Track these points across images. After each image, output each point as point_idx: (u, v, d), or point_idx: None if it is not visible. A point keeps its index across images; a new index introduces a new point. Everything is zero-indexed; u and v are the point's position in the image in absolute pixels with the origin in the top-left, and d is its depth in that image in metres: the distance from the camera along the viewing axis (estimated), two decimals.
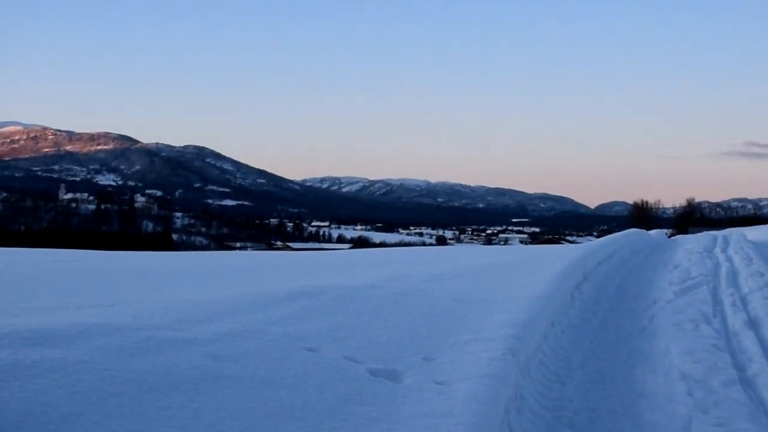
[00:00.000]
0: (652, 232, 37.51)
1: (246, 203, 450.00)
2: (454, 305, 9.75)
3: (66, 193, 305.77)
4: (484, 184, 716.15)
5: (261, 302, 8.54)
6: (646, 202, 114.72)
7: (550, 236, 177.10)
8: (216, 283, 13.20)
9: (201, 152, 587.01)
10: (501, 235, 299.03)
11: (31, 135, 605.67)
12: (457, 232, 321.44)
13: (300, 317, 7.99)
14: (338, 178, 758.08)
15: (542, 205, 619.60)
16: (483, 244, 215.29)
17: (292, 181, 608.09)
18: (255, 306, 8.28)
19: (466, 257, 24.05)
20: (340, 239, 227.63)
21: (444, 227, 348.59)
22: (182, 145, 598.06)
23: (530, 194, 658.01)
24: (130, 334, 5.97)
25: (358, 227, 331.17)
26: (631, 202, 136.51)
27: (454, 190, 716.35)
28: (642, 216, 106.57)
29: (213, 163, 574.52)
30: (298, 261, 24.77)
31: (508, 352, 7.26)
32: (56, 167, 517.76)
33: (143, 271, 18.06)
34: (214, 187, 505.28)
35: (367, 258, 28.41)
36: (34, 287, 13.27)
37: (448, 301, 10.06)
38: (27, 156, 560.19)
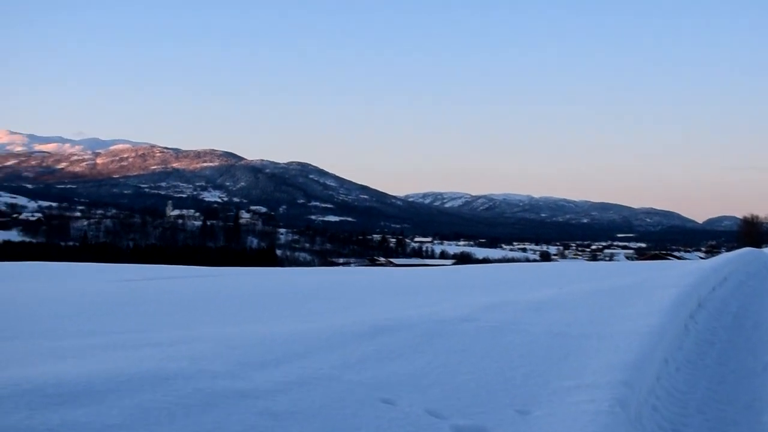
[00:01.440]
0: (767, 249, 35.86)
1: (349, 219, 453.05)
2: (555, 342, 8.77)
3: (173, 210, 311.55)
4: (589, 199, 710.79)
5: (339, 340, 7.71)
6: (757, 217, 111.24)
7: (657, 252, 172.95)
8: (300, 311, 12.49)
9: (304, 168, 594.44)
10: (606, 251, 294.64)
11: (140, 153, 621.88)
12: (561, 248, 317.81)
13: (380, 359, 7.12)
14: (441, 194, 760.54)
15: (648, 220, 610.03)
16: (588, 259, 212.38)
17: (394, 197, 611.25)
18: (331, 345, 7.45)
19: (570, 278, 22.99)
20: (443, 255, 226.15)
21: (548, 242, 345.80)
22: (286, 161, 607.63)
23: (636, 209, 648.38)
24: (179, 386, 5.17)
25: (461, 243, 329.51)
26: (740, 216, 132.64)
27: (558, 205, 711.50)
28: (752, 231, 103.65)
29: (316, 179, 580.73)
30: (393, 281, 24.04)
31: (617, 404, 6.26)
32: (163, 184, 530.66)
33: (232, 294, 17.53)
34: (318, 203, 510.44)
35: (466, 277, 27.56)
36: (113, 312, 12.79)
37: (549, 337, 9.08)
38: (135, 173, 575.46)
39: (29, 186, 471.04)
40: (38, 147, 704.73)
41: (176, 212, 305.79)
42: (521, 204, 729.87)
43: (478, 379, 6.83)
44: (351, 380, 6.19)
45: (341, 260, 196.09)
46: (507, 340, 8.64)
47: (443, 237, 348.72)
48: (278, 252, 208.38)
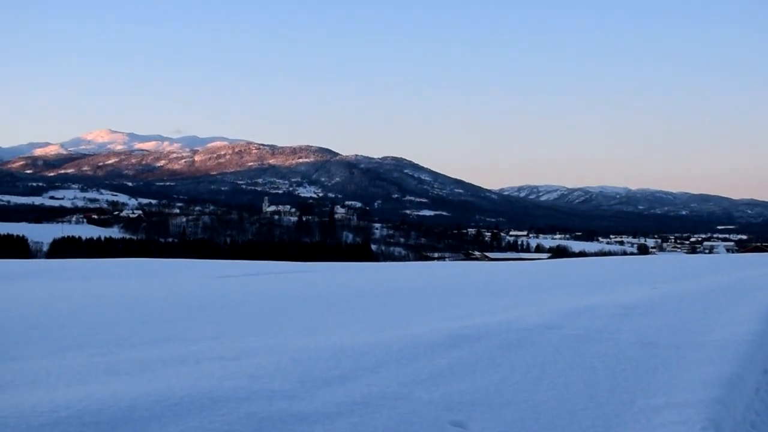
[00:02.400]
0: None
1: (444, 213, 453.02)
2: (644, 353, 8.19)
3: (269, 206, 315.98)
4: (687, 191, 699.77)
5: (412, 351, 7.26)
6: None
7: (758, 244, 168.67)
8: (379, 315, 12.12)
9: (399, 163, 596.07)
10: (706, 243, 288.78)
11: (236, 149, 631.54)
12: (659, 240, 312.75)
13: (454, 373, 6.65)
14: (536, 187, 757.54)
15: (749, 212, 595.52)
16: (687, 252, 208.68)
17: (489, 191, 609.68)
18: (404, 357, 7.00)
19: (666, 275, 22.25)
20: (539, 249, 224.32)
21: (645, 235, 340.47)
22: (380, 156, 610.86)
23: (736, 200, 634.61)
24: (231, 409, 4.76)
25: (557, 236, 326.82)
26: None
27: (655, 197, 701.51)
28: None
29: (411, 173, 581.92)
30: (481, 280, 23.59)
31: (711, 426, 5.71)
32: (260, 180, 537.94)
33: (315, 295, 17.28)
34: (412, 198, 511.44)
35: (559, 273, 26.97)
36: (192, 316, 12.61)
37: (637, 347, 8.51)
38: (232, 170, 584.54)
39: (129, 184, 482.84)
40: (138, 145, 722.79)
41: (272, 208, 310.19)
42: (618, 196, 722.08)
43: (557, 396, 6.32)
44: (420, 399, 5.74)
45: (436, 255, 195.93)
46: (592, 351, 8.09)
47: (539, 230, 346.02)
48: (373, 247, 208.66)
